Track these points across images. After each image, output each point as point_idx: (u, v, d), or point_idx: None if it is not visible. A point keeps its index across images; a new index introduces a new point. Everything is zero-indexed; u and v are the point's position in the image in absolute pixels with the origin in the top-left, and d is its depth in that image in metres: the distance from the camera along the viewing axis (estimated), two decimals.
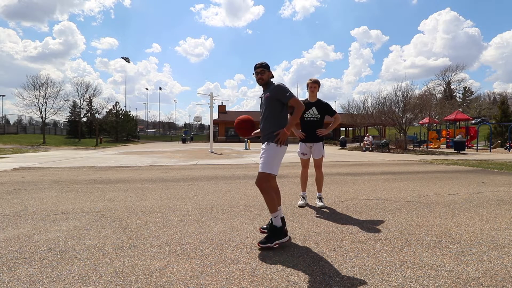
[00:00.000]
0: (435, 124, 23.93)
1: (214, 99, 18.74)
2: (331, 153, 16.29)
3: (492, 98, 59.02)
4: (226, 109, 46.75)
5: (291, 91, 2.61)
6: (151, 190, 4.99)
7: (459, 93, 56.03)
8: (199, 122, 70.30)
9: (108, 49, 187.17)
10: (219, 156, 13.08)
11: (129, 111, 49.08)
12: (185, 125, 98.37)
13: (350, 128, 45.80)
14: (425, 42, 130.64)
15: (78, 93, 39.11)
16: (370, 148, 18.24)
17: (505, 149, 20.01)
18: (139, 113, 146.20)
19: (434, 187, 5.30)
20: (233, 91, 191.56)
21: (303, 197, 4.00)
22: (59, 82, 44.42)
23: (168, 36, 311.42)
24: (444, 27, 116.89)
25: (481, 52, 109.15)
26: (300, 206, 3.89)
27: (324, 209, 3.76)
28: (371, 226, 3.06)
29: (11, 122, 43.94)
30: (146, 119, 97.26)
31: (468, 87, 56.36)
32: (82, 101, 40.32)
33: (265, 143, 2.64)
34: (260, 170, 2.56)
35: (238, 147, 23.52)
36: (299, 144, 4.04)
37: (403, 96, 18.46)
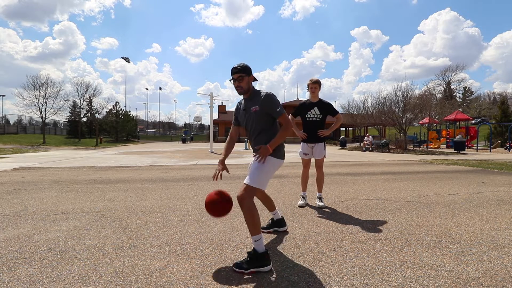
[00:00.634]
0: (435, 124, 23.93)
1: (214, 99, 18.73)
2: (331, 153, 16.29)
3: (492, 98, 59.01)
4: (226, 109, 46.72)
5: (281, 105, 2.27)
6: (151, 190, 4.99)
7: (459, 93, 56.06)
8: (199, 122, 70.26)
9: (108, 49, 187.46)
10: (219, 156, 13.04)
11: (129, 111, 49.07)
12: (185, 125, 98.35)
13: (350, 128, 45.81)
14: (425, 42, 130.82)
15: (78, 93, 39.17)
16: (370, 148, 18.24)
17: (505, 149, 20.01)
18: (139, 113, 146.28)
19: (434, 187, 5.30)
20: (233, 91, 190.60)
21: (303, 197, 4.00)
22: (59, 82, 44.49)
23: (168, 36, 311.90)
24: (444, 27, 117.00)
25: (481, 52, 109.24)
26: (300, 206, 3.89)
27: (324, 209, 3.76)
28: (371, 226, 3.06)
29: (11, 122, 43.95)
30: (146, 119, 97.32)
31: (468, 87, 56.38)
32: (82, 101, 40.37)
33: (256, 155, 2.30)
34: (246, 182, 2.16)
35: (238, 147, 23.52)
36: (301, 144, 4.04)
37: (403, 96, 18.47)
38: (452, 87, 52.82)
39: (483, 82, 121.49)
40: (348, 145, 25.81)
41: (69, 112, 43.17)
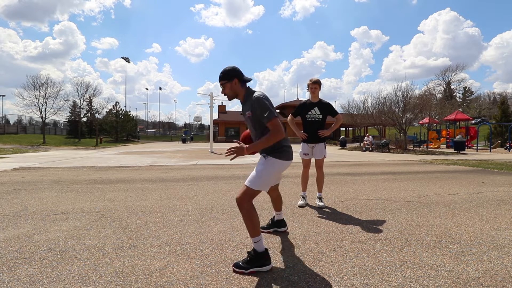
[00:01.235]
0: (435, 124, 23.92)
1: (214, 99, 18.73)
2: (331, 153, 16.29)
3: (492, 98, 59.02)
4: (226, 109, 46.72)
5: (272, 109, 2.08)
6: (151, 190, 4.99)
7: (459, 93, 56.07)
8: (199, 122, 70.38)
9: (108, 49, 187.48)
10: (219, 156, 13.08)
11: (129, 111, 49.03)
12: (185, 125, 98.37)
13: (350, 128, 45.81)
14: (425, 42, 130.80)
15: (78, 93, 39.13)
16: (370, 148, 18.24)
17: (505, 149, 20.01)
18: (139, 113, 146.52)
19: (434, 187, 5.30)
20: None
21: (303, 197, 4.00)
22: (59, 82, 44.29)
23: (168, 36, 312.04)
24: (444, 27, 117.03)
25: (481, 52, 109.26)
26: (300, 206, 3.89)
27: (324, 209, 3.76)
28: (371, 226, 3.06)
29: (11, 122, 44.01)
30: (146, 119, 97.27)
31: (468, 87, 56.38)
32: (82, 101, 40.34)
33: (262, 155, 2.26)
34: (245, 184, 2.11)
35: None
36: (301, 145, 4.04)
37: (403, 96, 18.46)
38: (452, 87, 52.85)
39: (483, 82, 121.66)
40: (348, 145, 25.81)
41: (69, 112, 43.22)
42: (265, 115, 2.04)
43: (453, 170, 8.12)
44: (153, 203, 4.03)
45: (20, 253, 2.33)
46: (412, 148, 19.18)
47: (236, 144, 2.12)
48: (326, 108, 3.89)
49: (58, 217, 3.34)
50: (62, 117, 36.80)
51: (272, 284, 1.87)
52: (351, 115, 28.13)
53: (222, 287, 1.84)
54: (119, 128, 43.25)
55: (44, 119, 30.11)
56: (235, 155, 2.12)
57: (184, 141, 38.63)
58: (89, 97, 40.74)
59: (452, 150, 17.83)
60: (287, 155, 2.26)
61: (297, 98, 45.18)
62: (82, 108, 41.94)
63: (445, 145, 23.50)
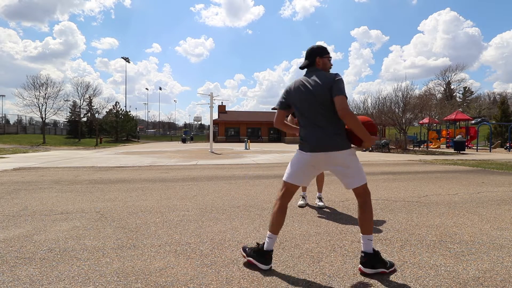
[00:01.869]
0: (435, 124, 23.93)
1: (214, 99, 18.74)
2: None
3: (492, 98, 58.97)
4: (226, 109, 46.74)
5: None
6: (151, 190, 4.99)
7: (459, 93, 56.06)
8: (199, 122, 70.33)
9: (108, 49, 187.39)
10: (219, 156, 13.08)
11: (129, 111, 49.09)
12: (185, 125, 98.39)
13: None
14: (425, 42, 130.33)
15: (78, 93, 39.18)
16: (370, 148, 18.24)
17: (505, 149, 20.02)
18: (139, 113, 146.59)
19: (434, 187, 5.30)
20: (233, 91, 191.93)
21: (303, 197, 4.00)
22: (59, 82, 44.23)
23: (168, 36, 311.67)
24: (444, 27, 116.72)
25: (481, 52, 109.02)
26: (300, 206, 3.89)
27: (324, 209, 3.76)
28: None
29: (11, 122, 44.00)
30: (146, 119, 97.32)
31: (468, 87, 56.37)
32: (82, 101, 40.38)
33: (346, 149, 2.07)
34: (364, 182, 2.16)
35: (238, 147, 23.51)
36: None
37: (403, 96, 18.47)
38: (452, 87, 52.85)
39: (483, 82, 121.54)
40: None
41: (69, 112, 43.25)
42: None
43: (453, 170, 8.13)
44: (153, 203, 4.03)
45: (20, 253, 2.33)
46: (412, 148, 19.18)
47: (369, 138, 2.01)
48: None
49: (58, 217, 3.34)
50: (62, 117, 36.89)
51: (272, 284, 1.87)
52: None
53: (222, 287, 1.84)
54: (119, 128, 43.28)
55: (44, 119, 30.12)
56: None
57: (184, 141, 38.64)
58: (89, 97, 40.82)
59: (452, 150, 17.83)
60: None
61: None
62: (82, 108, 42.00)
63: (445, 145, 23.50)
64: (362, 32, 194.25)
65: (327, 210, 3.74)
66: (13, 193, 4.71)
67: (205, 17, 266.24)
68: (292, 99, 2.17)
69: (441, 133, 24.58)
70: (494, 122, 26.88)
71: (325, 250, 2.43)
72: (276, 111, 2.33)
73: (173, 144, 31.29)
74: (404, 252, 2.37)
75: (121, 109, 45.89)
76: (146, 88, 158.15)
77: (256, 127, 43.79)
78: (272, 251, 2.11)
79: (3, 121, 38.97)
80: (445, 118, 22.21)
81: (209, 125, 28.84)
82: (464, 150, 16.62)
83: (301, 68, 2.26)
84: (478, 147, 20.83)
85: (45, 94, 29.64)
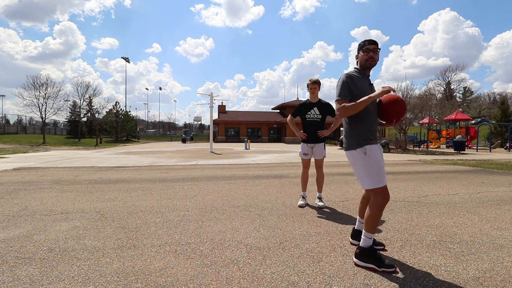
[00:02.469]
0: (435, 124, 23.92)
1: (214, 99, 18.73)
2: (331, 153, 16.28)
3: (492, 98, 59.03)
4: (226, 109, 46.74)
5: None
6: (151, 190, 4.99)
7: (459, 93, 56.07)
8: (199, 122, 70.29)
9: (108, 49, 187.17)
10: (219, 156, 13.08)
11: (129, 111, 49.00)
12: (185, 125, 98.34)
13: None
14: (425, 42, 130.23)
15: (78, 93, 39.22)
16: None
17: (505, 149, 20.01)
18: (139, 113, 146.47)
19: (434, 187, 5.30)
20: (233, 91, 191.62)
21: (303, 197, 4.00)
22: (59, 82, 44.34)
23: (168, 36, 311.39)
24: (444, 27, 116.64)
25: (481, 52, 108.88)
26: (300, 206, 3.89)
27: (324, 209, 3.76)
28: None
29: (11, 122, 44.02)
30: (146, 119, 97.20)
31: (468, 87, 56.40)
32: (82, 101, 40.41)
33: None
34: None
35: (238, 147, 23.51)
36: (301, 145, 4.04)
37: (403, 96, 18.48)
38: (452, 87, 52.84)
39: (483, 82, 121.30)
40: None
41: (69, 112, 43.22)
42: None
43: (453, 170, 8.13)
44: (153, 203, 4.03)
45: (20, 253, 2.33)
46: (412, 148, 19.18)
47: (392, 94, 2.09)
48: (326, 108, 3.90)
49: (58, 217, 3.34)
50: (62, 117, 36.82)
51: (272, 284, 1.87)
52: None
53: (222, 287, 1.84)
54: (119, 128, 43.24)
55: (44, 119, 30.09)
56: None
57: (184, 141, 38.63)
58: (89, 97, 40.84)
59: (452, 150, 17.83)
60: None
61: (297, 98, 45.18)
62: (82, 108, 42.00)
63: (445, 145, 23.51)
64: (362, 32, 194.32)
65: (327, 210, 3.74)
66: (13, 193, 4.71)
67: (205, 17, 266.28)
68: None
69: (441, 133, 24.59)
70: (494, 122, 26.88)
71: (325, 250, 2.43)
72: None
73: (173, 144, 31.28)
74: (404, 252, 2.37)
75: (121, 109, 45.85)
76: (146, 88, 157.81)
77: (256, 127, 43.78)
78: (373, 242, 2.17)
79: (3, 121, 38.99)
80: (445, 118, 22.21)
81: (209, 125, 28.86)
82: (464, 150, 16.62)
83: None
84: (478, 147, 20.83)
85: (45, 94, 29.61)
